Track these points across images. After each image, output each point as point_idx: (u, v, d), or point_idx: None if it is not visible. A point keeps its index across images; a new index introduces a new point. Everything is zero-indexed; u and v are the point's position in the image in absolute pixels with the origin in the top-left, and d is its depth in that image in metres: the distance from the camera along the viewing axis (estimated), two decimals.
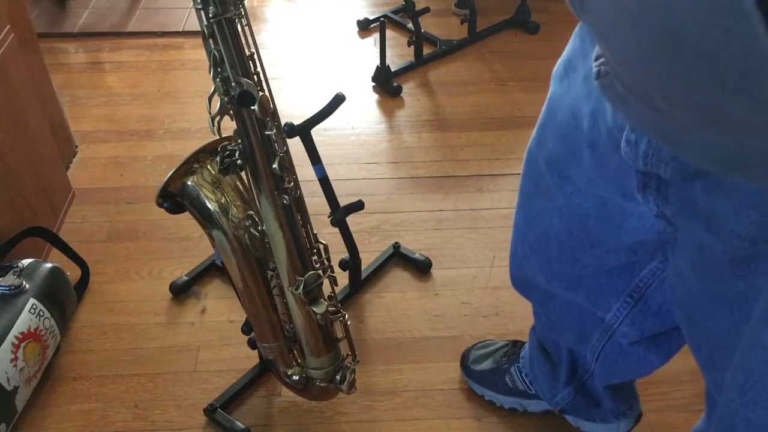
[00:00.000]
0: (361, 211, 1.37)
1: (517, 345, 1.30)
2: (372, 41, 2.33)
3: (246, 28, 0.83)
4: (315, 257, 0.99)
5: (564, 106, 0.78)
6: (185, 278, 1.48)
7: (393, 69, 2.10)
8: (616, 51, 0.51)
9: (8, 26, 1.44)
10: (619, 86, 0.55)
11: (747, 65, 0.40)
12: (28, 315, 1.23)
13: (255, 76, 0.85)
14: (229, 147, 0.91)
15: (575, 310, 0.99)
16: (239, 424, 1.21)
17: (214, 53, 0.82)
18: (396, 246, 1.55)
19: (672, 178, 0.60)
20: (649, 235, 0.78)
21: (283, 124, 1.04)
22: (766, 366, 0.58)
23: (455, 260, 1.55)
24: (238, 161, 0.91)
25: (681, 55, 0.43)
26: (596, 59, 0.61)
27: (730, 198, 0.55)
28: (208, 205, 0.97)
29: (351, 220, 1.38)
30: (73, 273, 1.46)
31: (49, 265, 1.33)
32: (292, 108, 1.95)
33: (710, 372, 0.72)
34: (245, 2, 0.83)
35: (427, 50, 2.21)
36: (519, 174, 0.99)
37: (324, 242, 1.00)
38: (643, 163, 0.62)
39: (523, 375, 1.23)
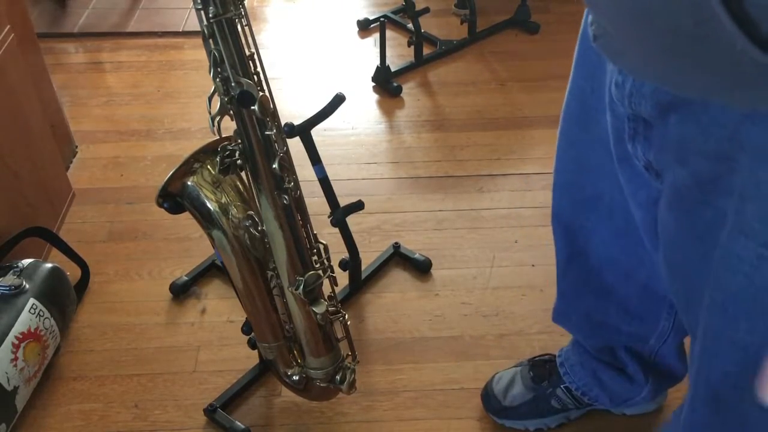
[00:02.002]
0: (361, 211, 1.37)
1: (537, 365, 1.25)
2: (372, 41, 2.33)
3: (246, 28, 0.83)
4: (315, 257, 0.99)
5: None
6: (185, 278, 1.48)
7: (393, 69, 2.09)
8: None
9: (8, 26, 1.44)
10: (616, 40, 0.62)
11: (699, 15, 0.45)
12: (28, 315, 1.23)
13: (255, 76, 0.85)
14: (229, 147, 0.91)
15: (634, 299, 1.01)
16: (239, 424, 1.21)
17: (214, 53, 0.82)
18: (396, 246, 1.55)
19: (651, 115, 0.65)
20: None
21: (283, 124, 1.04)
22: (744, 276, 0.60)
23: (455, 260, 1.55)
24: (238, 161, 0.91)
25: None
26: (591, 24, 0.66)
27: (699, 122, 0.59)
28: (208, 205, 0.97)
29: (351, 220, 1.38)
30: (73, 273, 1.46)
31: (49, 265, 1.33)
32: (292, 108, 1.95)
33: (686, 313, 0.74)
34: (245, 2, 0.83)
35: (427, 50, 2.21)
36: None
37: (324, 242, 1.00)
38: (628, 103, 0.67)
39: (573, 393, 1.20)
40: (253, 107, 0.84)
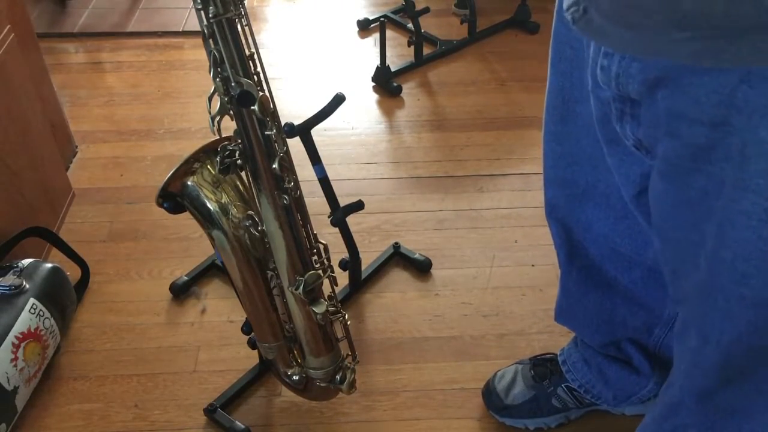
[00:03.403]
0: (361, 211, 1.37)
1: (538, 363, 1.26)
2: (372, 41, 2.33)
3: (246, 28, 0.83)
4: (315, 257, 0.99)
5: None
6: (185, 278, 1.48)
7: (393, 69, 2.09)
8: None
9: (8, 26, 1.44)
10: (597, 18, 0.63)
11: None
12: (28, 315, 1.23)
13: (255, 76, 0.85)
14: (229, 147, 0.91)
15: (639, 285, 1.02)
16: (239, 424, 1.21)
17: (214, 53, 0.82)
18: (396, 246, 1.55)
19: (639, 94, 0.66)
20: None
21: (283, 124, 1.04)
22: (752, 231, 0.62)
23: (455, 260, 1.55)
24: (238, 161, 0.91)
25: None
26: (567, 9, 0.67)
27: (689, 93, 0.60)
28: (208, 205, 0.97)
29: (351, 220, 1.38)
30: (73, 273, 1.46)
31: (49, 265, 1.33)
32: (292, 108, 1.95)
33: (675, 281, 0.76)
34: (245, 2, 0.83)
35: (427, 50, 2.21)
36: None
37: (324, 242, 1.00)
38: (615, 84, 0.68)
39: (575, 392, 1.21)
40: (253, 107, 0.84)
